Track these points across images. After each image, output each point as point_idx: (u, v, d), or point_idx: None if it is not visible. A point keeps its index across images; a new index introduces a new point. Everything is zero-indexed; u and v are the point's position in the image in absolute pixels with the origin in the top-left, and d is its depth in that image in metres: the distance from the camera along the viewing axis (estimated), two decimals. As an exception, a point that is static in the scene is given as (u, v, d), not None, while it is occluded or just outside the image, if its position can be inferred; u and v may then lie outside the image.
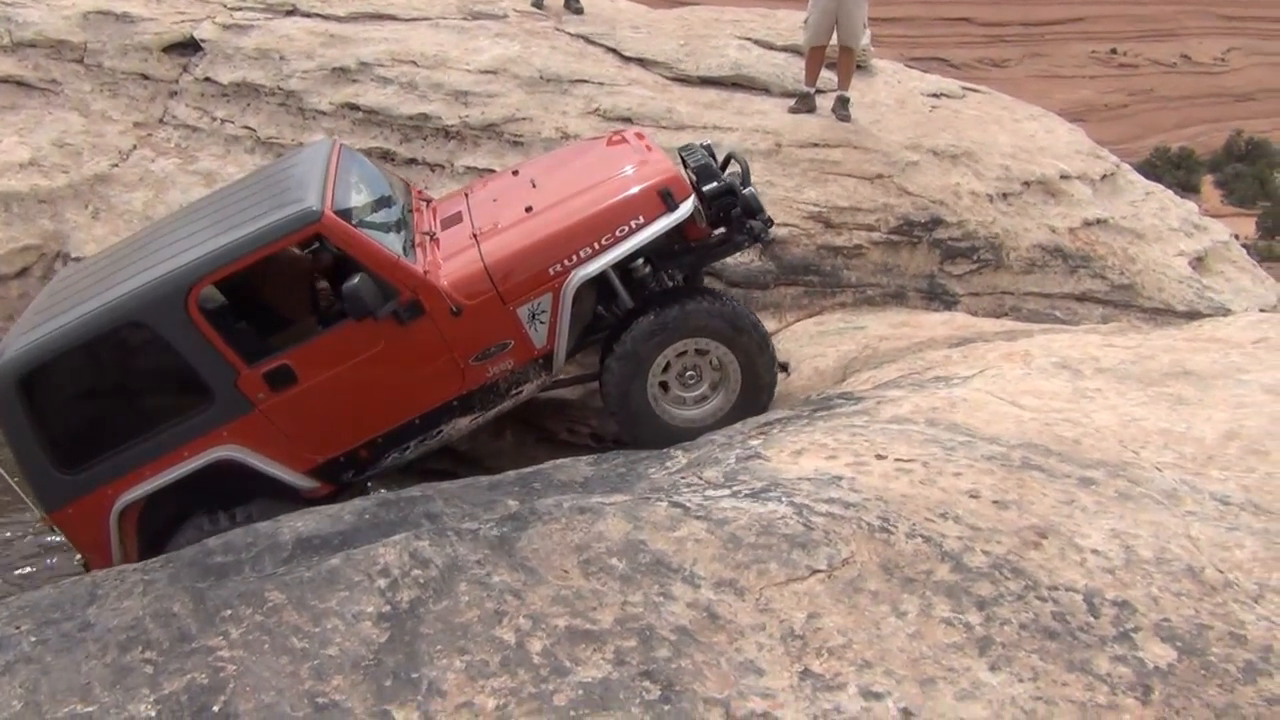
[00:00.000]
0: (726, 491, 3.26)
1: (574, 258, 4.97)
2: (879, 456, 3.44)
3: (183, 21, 8.65)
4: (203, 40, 8.47)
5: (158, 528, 4.88)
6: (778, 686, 2.51)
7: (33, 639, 2.71)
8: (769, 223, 5.45)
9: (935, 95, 8.55)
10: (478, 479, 3.64)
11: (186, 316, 4.65)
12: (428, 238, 5.22)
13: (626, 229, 5.02)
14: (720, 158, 5.64)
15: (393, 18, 8.80)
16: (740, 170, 5.45)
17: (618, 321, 5.21)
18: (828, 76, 7.88)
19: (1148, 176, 9.37)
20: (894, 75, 8.86)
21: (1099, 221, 7.48)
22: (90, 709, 2.46)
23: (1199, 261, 7.77)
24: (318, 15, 8.78)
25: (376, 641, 2.62)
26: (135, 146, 7.98)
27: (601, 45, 8.47)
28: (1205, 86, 59.04)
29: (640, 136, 5.87)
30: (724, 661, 2.57)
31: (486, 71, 7.96)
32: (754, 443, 3.76)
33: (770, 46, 8.63)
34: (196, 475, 4.80)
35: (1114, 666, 2.56)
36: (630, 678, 2.51)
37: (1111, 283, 7.13)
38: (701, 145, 5.70)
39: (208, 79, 8.30)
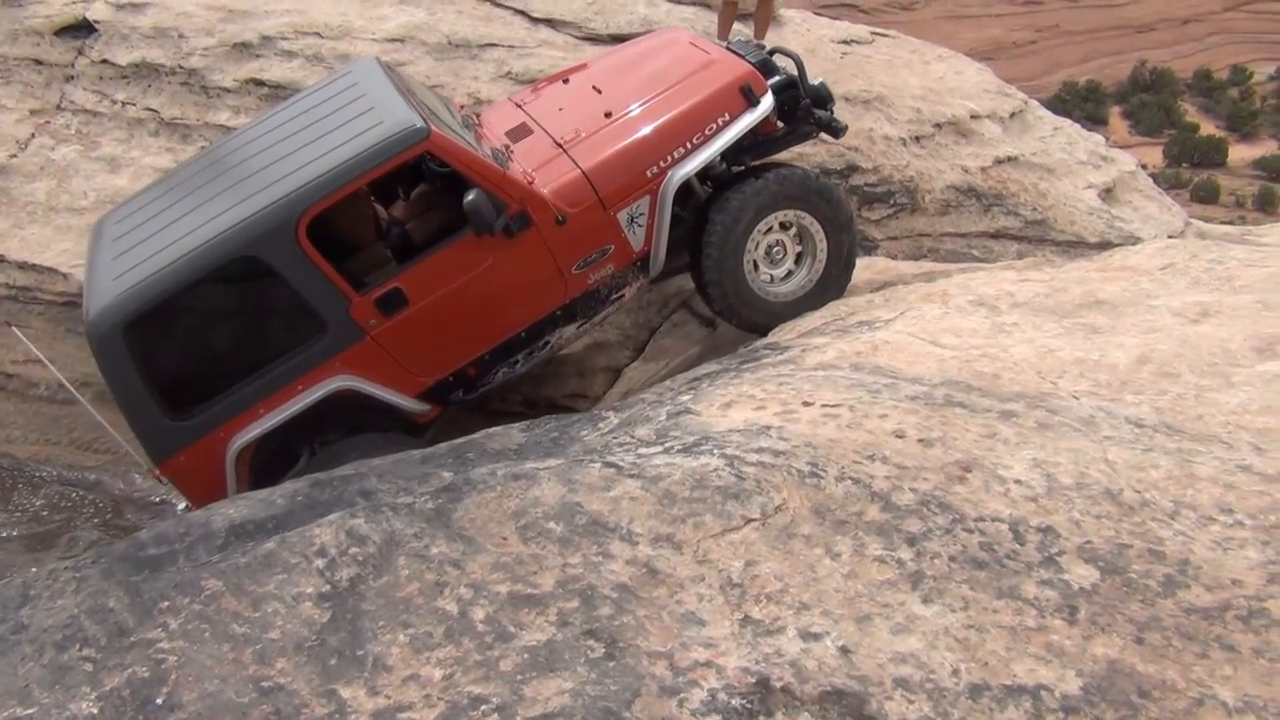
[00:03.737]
0: (659, 448, 3.29)
1: (669, 158, 5.07)
2: (806, 404, 3.49)
3: (74, 2, 8.35)
4: (96, 21, 8.18)
5: (262, 467, 4.77)
6: (719, 635, 2.55)
7: (-35, 646, 2.65)
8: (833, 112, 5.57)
9: (845, 42, 8.58)
10: (410, 453, 3.62)
11: (298, 247, 4.53)
12: (505, 150, 5.16)
13: (715, 126, 5.13)
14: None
15: (293, -12, 8.58)
16: (795, 63, 5.54)
17: (698, 214, 5.25)
18: (738, 29, 7.87)
19: (1058, 111, 9.55)
20: (803, 24, 8.86)
21: (1010, 159, 7.62)
22: (30, 711, 2.43)
23: (1108, 193, 7.96)
24: (214, -11, 8.53)
25: (318, 621, 2.61)
26: (33, 135, 7.72)
27: (509, 7, 8.35)
28: (1109, 19, 59.96)
29: (683, 34, 5.90)
30: (666, 615, 2.61)
31: (393, 40, 7.81)
32: (684, 398, 3.79)
33: (679, 1, 8.59)
34: (310, 409, 4.71)
35: (1041, 590, 2.65)
36: (574, 638, 2.54)
37: (1024, 219, 7.28)
38: (751, 41, 5.75)
39: (105, 61, 8.02)
